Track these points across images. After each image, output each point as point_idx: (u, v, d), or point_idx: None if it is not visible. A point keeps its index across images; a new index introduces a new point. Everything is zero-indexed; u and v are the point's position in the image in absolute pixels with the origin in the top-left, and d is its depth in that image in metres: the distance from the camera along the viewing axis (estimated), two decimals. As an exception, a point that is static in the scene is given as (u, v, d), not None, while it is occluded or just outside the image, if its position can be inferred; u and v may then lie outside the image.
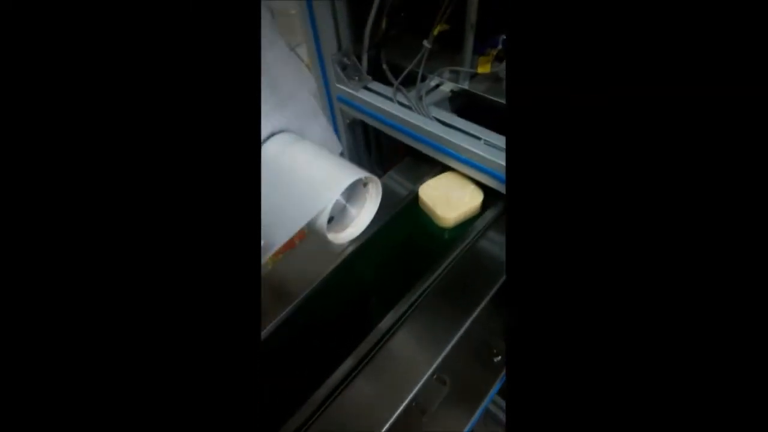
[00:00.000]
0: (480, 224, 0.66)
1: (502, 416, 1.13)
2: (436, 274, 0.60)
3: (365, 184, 0.45)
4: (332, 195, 0.37)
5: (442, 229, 0.67)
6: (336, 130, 0.81)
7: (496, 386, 0.66)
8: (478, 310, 0.55)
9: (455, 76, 0.68)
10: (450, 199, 0.66)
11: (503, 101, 0.62)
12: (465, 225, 0.66)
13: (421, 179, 0.73)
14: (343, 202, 0.45)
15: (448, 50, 0.69)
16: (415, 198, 0.71)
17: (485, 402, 0.65)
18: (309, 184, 0.38)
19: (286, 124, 0.41)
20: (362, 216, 0.45)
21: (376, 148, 0.92)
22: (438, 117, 0.64)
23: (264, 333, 0.56)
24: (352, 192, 0.45)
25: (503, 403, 1.13)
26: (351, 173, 0.38)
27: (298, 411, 0.49)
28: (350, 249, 0.64)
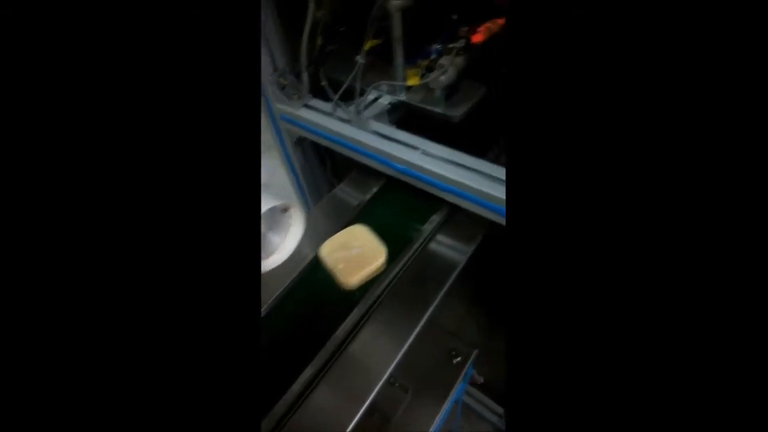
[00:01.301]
0: (428, 227, 0.67)
1: (487, 414, 1.15)
2: (390, 279, 0.61)
3: (285, 211, 0.46)
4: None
5: (399, 238, 0.68)
6: (284, 149, 0.82)
7: (459, 387, 0.68)
8: (429, 311, 0.57)
9: (393, 88, 0.70)
10: (350, 259, 0.60)
11: (438, 110, 0.64)
12: (419, 221, 0.67)
13: (369, 190, 0.74)
14: (263, 230, 0.45)
15: (386, 63, 0.71)
16: (366, 206, 0.72)
17: (448, 404, 0.66)
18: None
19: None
20: (287, 242, 0.46)
21: (330, 162, 0.93)
22: (377, 130, 0.65)
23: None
24: (274, 220, 0.46)
25: (487, 401, 1.14)
26: (263, 202, 0.39)
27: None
28: (307, 261, 0.65)
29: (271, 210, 0.39)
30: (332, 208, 0.75)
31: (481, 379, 1.23)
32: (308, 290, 0.63)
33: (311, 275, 0.64)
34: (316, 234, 0.68)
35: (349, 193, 0.76)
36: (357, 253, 0.61)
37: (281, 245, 0.46)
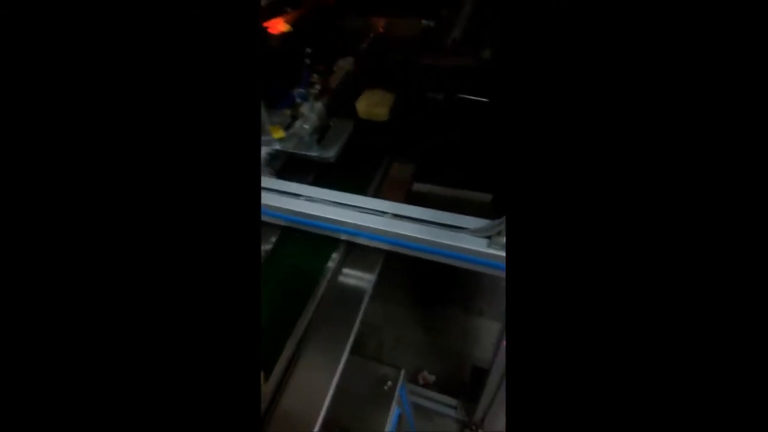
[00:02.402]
0: (332, 264, 0.69)
1: (445, 409, 1.20)
2: (306, 322, 0.62)
3: None
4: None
5: (307, 281, 0.68)
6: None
7: (396, 410, 0.70)
8: (349, 344, 0.58)
9: (269, 139, 0.71)
10: None
11: (312, 154, 0.66)
12: (321, 261, 0.69)
13: (269, 240, 0.74)
14: None
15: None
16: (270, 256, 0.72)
17: (390, 428, 0.69)
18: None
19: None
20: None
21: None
22: (258, 184, 0.66)
23: None
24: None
25: (441, 397, 1.19)
26: None
27: None
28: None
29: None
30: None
31: (432, 378, 1.29)
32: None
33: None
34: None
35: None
36: None
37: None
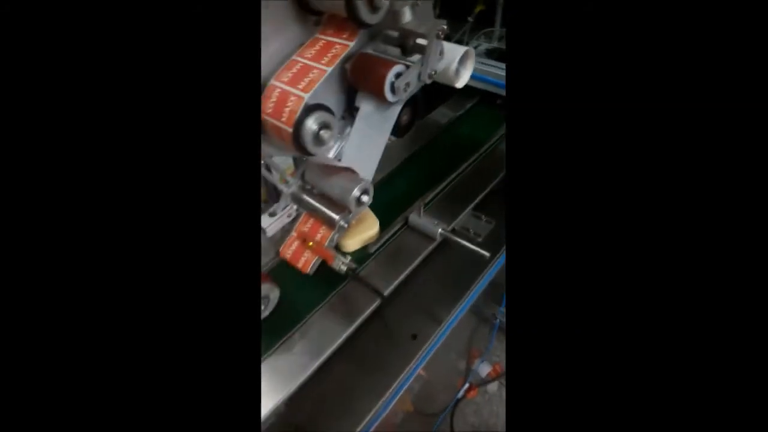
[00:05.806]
0: (497, 137, 0.97)
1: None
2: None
3: None
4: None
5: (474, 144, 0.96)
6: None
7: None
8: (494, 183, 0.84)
9: (488, 40, 1.04)
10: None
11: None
12: (491, 131, 0.97)
13: (464, 105, 1.05)
14: None
15: (481, 25, 1.06)
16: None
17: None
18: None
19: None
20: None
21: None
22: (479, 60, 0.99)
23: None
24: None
25: None
26: None
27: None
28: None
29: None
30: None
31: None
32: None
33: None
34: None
35: (444, 113, 1.07)
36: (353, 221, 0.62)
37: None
